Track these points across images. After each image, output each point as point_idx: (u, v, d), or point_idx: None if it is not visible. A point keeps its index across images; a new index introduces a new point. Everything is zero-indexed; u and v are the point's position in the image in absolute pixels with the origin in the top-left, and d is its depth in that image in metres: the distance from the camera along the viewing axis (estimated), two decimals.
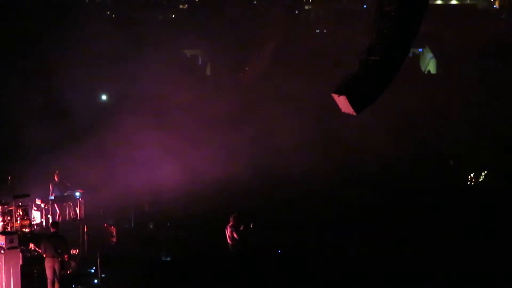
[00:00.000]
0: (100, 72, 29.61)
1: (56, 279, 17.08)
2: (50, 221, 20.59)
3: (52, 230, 17.83)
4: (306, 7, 58.62)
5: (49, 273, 17.14)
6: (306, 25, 49.36)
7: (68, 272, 17.75)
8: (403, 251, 20.23)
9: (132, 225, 23.28)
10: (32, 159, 25.34)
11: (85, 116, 29.44)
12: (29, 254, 18.84)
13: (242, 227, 19.10)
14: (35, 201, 22.27)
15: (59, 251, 17.14)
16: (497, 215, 23.47)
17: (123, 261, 19.30)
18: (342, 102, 13.00)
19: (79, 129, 28.75)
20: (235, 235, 19.02)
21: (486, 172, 30.22)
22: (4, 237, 17.81)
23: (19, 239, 18.51)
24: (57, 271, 17.09)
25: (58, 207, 22.98)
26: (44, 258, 17.31)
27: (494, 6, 65.67)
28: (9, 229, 20.16)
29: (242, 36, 37.44)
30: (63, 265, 17.32)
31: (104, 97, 34.96)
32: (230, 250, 19.21)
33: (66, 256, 17.40)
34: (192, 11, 52.79)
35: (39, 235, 19.69)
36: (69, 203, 23.15)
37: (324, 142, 30.22)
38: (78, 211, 22.95)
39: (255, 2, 52.36)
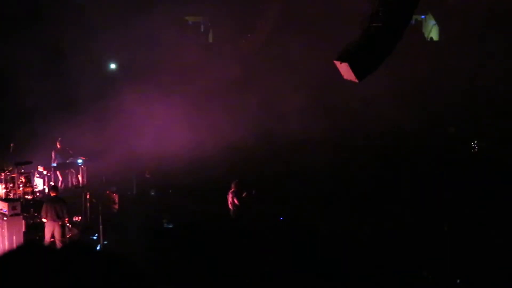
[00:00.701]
0: (101, 37, 29.37)
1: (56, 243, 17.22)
2: None
3: (52, 194, 17.92)
4: None
5: (47, 237, 17.31)
6: None
7: (68, 236, 17.86)
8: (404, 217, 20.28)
9: (134, 192, 23.35)
10: (34, 126, 25.29)
11: (87, 82, 29.31)
12: (31, 221, 18.93)
13: (244, 193, 19.14)
14: (38, 168, 22.33)
15: (60, 214, 17.25)
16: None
17: (125, 228, 19.38)
18: (344, 69, 12.95)
19: (81, 96, 28.64)
20: (236, 201, 19.08)
21: (486, 139, 30.12)
22: (6, 204, 17.93)
23: (21, 206, 18.64)
24: (56, 235, 17.22)
25: (60, 174, 23.06)
26: (44, 222, 17.45)
27: None
28: (11, 196, 20.25)
29: (245, 2, 37.13)
30: (63, 230, 17.44)
31: (109, 65, 34.79)
32: (232, 216, 19.29)
33: (66, 219, 17.51)
34: None
35: (41, 202, 19.78)
36: (71, 170, 23.25)
37: (326, 109, 30.10)
38: (80, 178, 23.02)
39: None
